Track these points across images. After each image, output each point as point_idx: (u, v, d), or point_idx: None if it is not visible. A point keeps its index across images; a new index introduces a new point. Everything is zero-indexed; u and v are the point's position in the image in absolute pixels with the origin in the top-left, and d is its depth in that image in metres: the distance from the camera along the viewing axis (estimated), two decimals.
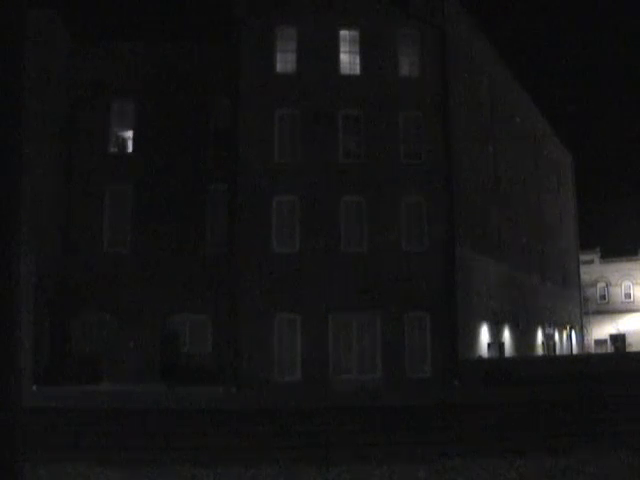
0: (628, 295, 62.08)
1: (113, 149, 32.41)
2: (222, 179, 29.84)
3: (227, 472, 10.63)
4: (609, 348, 59.84)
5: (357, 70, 29.77)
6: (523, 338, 38.31)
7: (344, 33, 29.91)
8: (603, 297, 62.57)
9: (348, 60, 29.84)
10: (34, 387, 25.91)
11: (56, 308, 29.92)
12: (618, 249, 63.40)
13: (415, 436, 13.84)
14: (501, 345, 34.95)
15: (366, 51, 29.71)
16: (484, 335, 32.75)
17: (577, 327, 52.44)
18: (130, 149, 32.46)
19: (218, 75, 31.53)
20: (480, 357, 31.49)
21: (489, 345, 33.17)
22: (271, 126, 28.62)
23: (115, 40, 36.82)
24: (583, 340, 54.25)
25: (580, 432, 14.01)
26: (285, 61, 29.48)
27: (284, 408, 19.45)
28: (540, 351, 41.52)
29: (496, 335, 34.27)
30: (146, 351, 29.40)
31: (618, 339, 60.23)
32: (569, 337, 49.50)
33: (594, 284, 61.87)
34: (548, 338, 43.56)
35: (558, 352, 45.27)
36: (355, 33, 29.90)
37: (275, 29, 29.46)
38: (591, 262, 61.68)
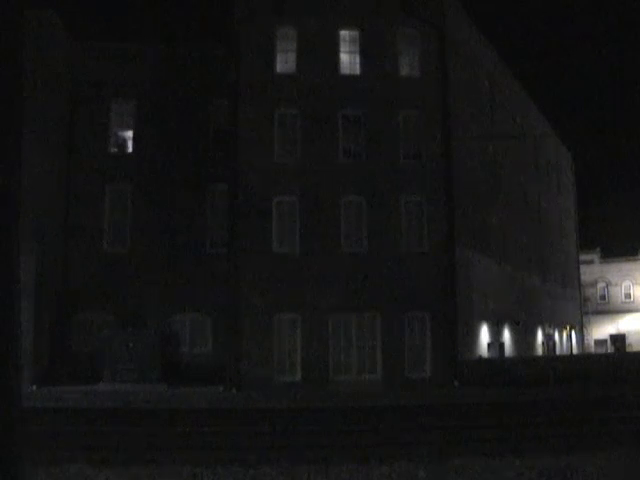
0: (628, 295, 62.09)
1: (113, 149, 32.42)
2: (222, 179, 29.84)
3: (227, 472, 10.62)
4: (609, 348, 59.84)
5: (357, 70, 29.75)
6: (523, 338, 38.30)
7: (344, 33, 29.89)
8: (603, 297, 62.58)
9: (348, 60, 29.82)
10: (34, 387, 25.92)
11: (56, 308, 29.93)
12: (618, 249, 63.52)
13: (415, 436, 13.83)
14: (501, 345, 34.95)
15: (366, 51, 29.70)
16: (484, 335, 32.75)
17: (577, 327, 52.44)
18: (130, 149, 32.47)
19: (218, 75, 31.53)
20: (480, 357, 31.48)
21: (489, 345, 33.17)
22: (271, 126, 28.61)
23: (115, 40, 36.85)
24: (583, 340, 54.25)
25: (579, 432, 14.00)
26: (285, 61, 29.46)
27: (284, 408, 19.45)
28: (540, 351, 41.53)
29: (496, 335, 34.26)
30: (146, 351, 29.37)
31: (618, 339, 60.24)
32: (569, 337, 49.51)
33: (594, 284, 61.88)
34: (548, 338, 43.57)
35: (558, 352, 45.28)
36: (355, 33, 29.88)
37: (275, 29, 29.45)
38: (591, 262, 61.69)
